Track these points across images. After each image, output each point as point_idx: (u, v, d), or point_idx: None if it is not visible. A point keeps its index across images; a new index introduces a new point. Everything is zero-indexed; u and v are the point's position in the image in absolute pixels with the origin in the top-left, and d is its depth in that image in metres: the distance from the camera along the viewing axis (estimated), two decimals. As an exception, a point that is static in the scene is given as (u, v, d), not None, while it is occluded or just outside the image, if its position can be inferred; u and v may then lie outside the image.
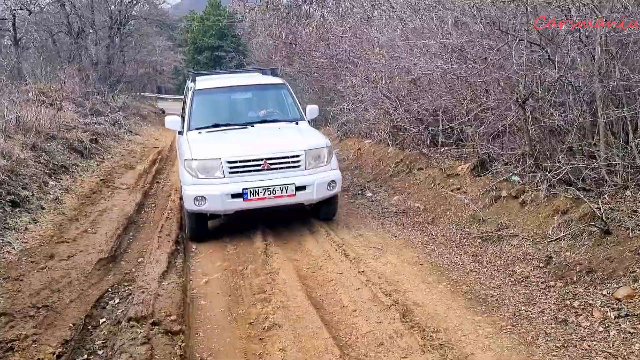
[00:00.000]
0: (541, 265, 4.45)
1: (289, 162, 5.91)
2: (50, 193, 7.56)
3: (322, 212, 6.50)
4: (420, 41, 6.44)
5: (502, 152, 5.88)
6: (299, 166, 5.92)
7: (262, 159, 5.79)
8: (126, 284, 4.68)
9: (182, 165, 6.11)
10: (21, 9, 20.66)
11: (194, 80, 7.70)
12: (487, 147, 6.03)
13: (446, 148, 8.09)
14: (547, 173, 5.20)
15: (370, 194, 7.64)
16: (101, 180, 9.14)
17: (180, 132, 6.78)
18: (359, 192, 7.84)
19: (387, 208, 6.86)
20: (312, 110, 7.11)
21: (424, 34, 6.78)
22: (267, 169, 5.81)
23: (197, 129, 6.60)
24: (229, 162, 5.75)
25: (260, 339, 3.71)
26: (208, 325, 3.97)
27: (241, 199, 5.71)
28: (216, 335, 3.82)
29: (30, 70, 19.49)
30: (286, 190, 5.80)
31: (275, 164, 5.85)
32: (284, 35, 15.08)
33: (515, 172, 5.92)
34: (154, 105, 31.91)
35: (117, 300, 4.33)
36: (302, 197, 5.92)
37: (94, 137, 12.95)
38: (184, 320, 3.93)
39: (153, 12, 38.32)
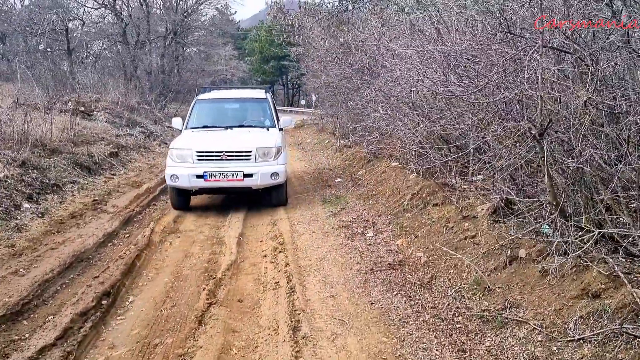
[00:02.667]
0: (550, 382, 2.97)
1: (242, 156, 7.82)
2: (16, 219, 6.83)
3: (273, 198, 8.24)
4: (410, 48, 5.02)
5: (518, 198, 4.35)
6: (249, 159, 7.80)
7: (222, 152, 7.76)
8: None
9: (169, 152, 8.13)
10: (74, 19, 20.89)
11: (202, 93, 9.93)
12: (502, 186, 4.51)
13: (480, 177, 6.57)
14: (578, 230, 3.68)
15: (372, 235, 6.28)
16: (93, 201, 8.37)
17: (181, 130, 8.92)
18: (361, 230, 6.50)
19: (382, 257, 5.48)
20: (285, 120, 9.26)
21: (427, 40, 5.33)
22: (226, 159, 7.76)
23: (191, 128, 8.82)
24: (197, 152, 7.77)
25: None
26: None
27: (202, 180, 7.66)
28: None
29: (80, 81, 19.55)
30: (236, 176, 7.71)
31: (232, 156, 7.79)
32: (322, 44, 13.98)
33: (546, 222, 4.38)
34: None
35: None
36: (249, 182, 7.77)
37: (115, 150, 12.41)
38: None
39: (218, 22, 38.72)
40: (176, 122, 9.15)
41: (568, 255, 3.78)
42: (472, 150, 6.07)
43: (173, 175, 7.74)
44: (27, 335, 3.99)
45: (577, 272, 3.62)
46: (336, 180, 9.97)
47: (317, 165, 12.43)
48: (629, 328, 2.85)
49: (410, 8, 5.87)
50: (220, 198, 9.08)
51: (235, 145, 7.86)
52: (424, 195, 6.71)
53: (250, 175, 7.69)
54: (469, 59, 4.12)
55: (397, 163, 8.94)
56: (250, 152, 7.78)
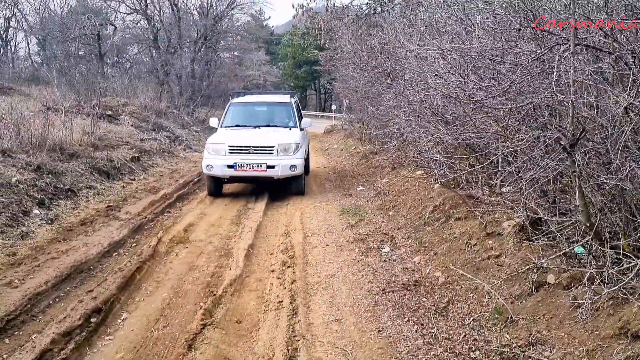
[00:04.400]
0: None
1: (266, 150, 9.14)
2: (23, 225, 6.66)
3: (293, 187, 9.50)
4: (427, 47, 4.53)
5: (546, 216, 3.83)
6: (272, 153, 9.10)
7: (249, 146, 9.17)
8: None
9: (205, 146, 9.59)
10: (105, 24, 21.10)
11: (235, 97, 11.77)
12: (529, 202, 4.00)
13: (509, 188, 6.04)
14: (616, 257, 3.16)
15: (388, 250, 5.83)
16: (107, 207, 8.17)
17: (216, 129, 10.37)
18: (377, 245, 6.05)
19: (396, 275, 5.02)
20: (305, 122, 10.74)
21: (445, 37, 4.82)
22: (253, 153, 9.13)
23: (225, 126, 10.35)
24: (229, 146, 9.17)
25: None
26: None
27: (232, 169, 9.06)
28: None
29: (110, 85, 19.68)
30: (261, 167, 9.04)
31: (258, 150, 9.14)
32: (350, 47, 13.57)
33: (581, 241, 3.84)
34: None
35: None
36: (271, 172, 9.09)
37: (137, 154, 12.29)
38: None
39: (252, 28, 38.82)
40: (213, 121, 10.71)
41: (604, 286, 3.28)
42: (500, 160, 5.57)
43: (209, 165, 9.18)
44: (4, 356, 3.71)
45: (614, 305, 3.11)
46: (358, 189, 9.54)
47: (341, 173, 12.01)
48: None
49: (432, 8, 5.44)
50: (234, 208, 8.76)
51: (260, 141, 9.27)
52: (446, 207, 6.22)
53: (273, 167, 9.01)
54: (490, 59, 3.65)
55: (422, 172, 8.46)
56: (273, 147, 9.12)
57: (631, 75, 2.67)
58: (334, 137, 20.96)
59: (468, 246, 5.12)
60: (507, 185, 5.83)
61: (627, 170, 2.84)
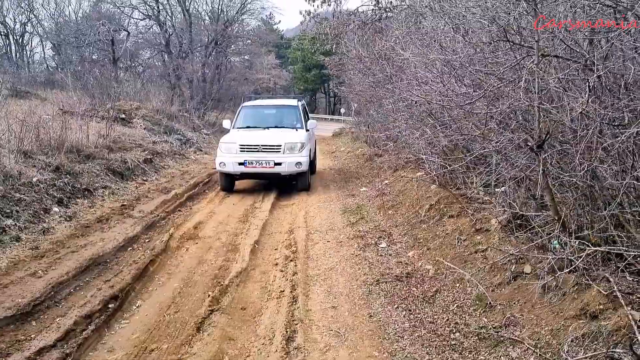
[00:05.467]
0: (535, 406, 2.84)
1: (273, 149, 9.91)
2: (44, 222, 7.09)
3: (299, 183, 10.28)
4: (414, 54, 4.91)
5: (522, 212, 4.18)
6: (279, 151, 9.87)
7: (258, 145, 9.96)
8: None
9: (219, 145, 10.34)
10: (119, 30, 21.69)
11: (246, 101, 13.03)
12: (508, 199, 4.35)
13: (502, 189, 6.37)
14: (581, 247, 3.51)
15: (385, 245, 6.20)
16: (121, 206, 8.60)
17: (229, 130, 11.18)
18: (374, 241, 6.42)
19: (390, 268, 5.39)
20: (311, 123, 11.52)
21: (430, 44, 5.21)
22: (261, 151, 9.91)
23: (237, 127, 11.17)
24: (240, 145, 9.96)
25: None
26: None
27: (243, 166, 9.83)
28: None
29: (123, 89, 20.21)
30: (269, 164, 9.82)
31: (266, 148, 9.93)
32: (355, 52, 13.93)
33: (554, 238, 4.20)
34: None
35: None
36: (278, 169, 9.85)
37: (149, 156, 12.75)
38: None
39: (262, 32, 39.34)
40: (226, 123, 11.64)
41: (573, 273, 3.63)
42: (494, 161, 5.91)
43: (221, 162, 9.96)
44: (32, 335, 4.13)
45: (578, 290, 3.46)
46: (361, 190, 9.91)
47: (346, 174, 12.39)
48: (618, 353, 2.69)
49: (428, 18, 5.79)
50: (242, 208, 9.16)
51: (268, 141, 10.03)
52: (441, 206, 6.58)
53: (280, 164, 9.77)
54: (466, 67, 4.01)
55: (422, 173, 8.81)
56: (280, 146, 9.89)
57: (587, 82, 3.01)
58: (341, 140, 21.32)
59: (458, 241, 5.47)
60: (502, 186, 6.18)
61: (584, 170, 3.19)
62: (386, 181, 9.82)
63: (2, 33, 34.37)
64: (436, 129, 5.98)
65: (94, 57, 26.74)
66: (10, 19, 34.37)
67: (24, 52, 37.05)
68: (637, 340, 2.62)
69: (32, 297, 4.73)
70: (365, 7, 15.08)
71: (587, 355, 2.89)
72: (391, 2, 14.37)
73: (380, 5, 14.37)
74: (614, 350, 2.72)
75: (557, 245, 4.19)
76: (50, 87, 22.16)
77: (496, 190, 6.35)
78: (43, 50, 38.17)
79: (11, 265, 5.56)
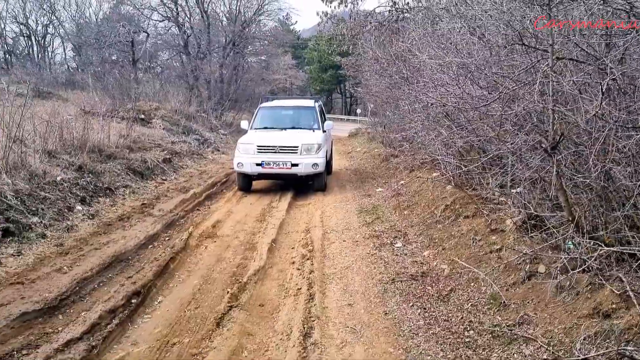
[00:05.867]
0: (547, 401, 2.90)
1: (290, 150, 10.02)
2: (68, 219, 7.29)
3: (315, 184, 10.38)
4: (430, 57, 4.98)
5: (536, 212, 4.23)
6: (296, 152, 9.97)
7: (276, 146, 10.07)
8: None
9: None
10: (139, 31, 22.01)
11: (264, 101, 12.97)
12: (522, 200, 4.41)
13: (518, 190, 6.41)
14: (595, 247, 3.56)
15: (400, 245, 6.27)
16: (142, 204, 8.80)
17: (246, 130, 11.36)
18: (390, 240, 6.49)
19: (406, 267, 5.47)
20: (328, 124, 11.58)
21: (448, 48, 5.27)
22: (279, 152, 10.01)
23: (255, 128, 11.26)
24: (257, 146, 10.08)
25: None
26: None
27: (260, 167, 9.97)
28: None
29: (143, 90, 20.51)
30: (286, 165, 9.94)
31: (284, 149, 10.02)
32: (371, 54, 14.00)
33: (569, 238, 4.24)
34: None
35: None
36: (295, 170, 9.96)
37: (168, 156, 12.97)
38: None
39: (279, 33, 39.54)
40: (244, 124, 11.86)
41: (587, 273, 3.68)
42: (510, 162, 5.95)
43: (239, 163, 10.11)
44: (59, 328, 4.28)
45: (591, 290, 3.51)
46: (377, 190, 9.98)
47: (362, 175, 12.47)
48: (630, 350, 2.75)
49: (440, 18, 5.84)
50: (259, 207, 9.30)
51: (286, 142, 10.14)
52: (457, 207, 6.63)
53: (296, 165, 9.89)
54: (481, 70, 4.07)
55: (437, 174, 8.85)
56: (297, 147, 10.00)
57: (600, 85, 3.06)
58: (357, 141, 21.40)
59: (473, 242, 5.53)
60: (517, 187, 6.22)
61: (597, 171, 3.24)
62: (402, 182, 9.88)
63: (24, 34, 35.14)
64: (452, 130, 6.04)
65: (113, 58, 27.19)
66: (33, 21, 35.10)
67: (46, 54, 37.79)
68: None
69: (58, 292, 4.90)
70: (382, 8, 15.15)
71: (599, 352, 2.95)
72: (408, 3, 14.44)
73: (397, 6, 14.42)
74: (625, 347, 2.78)
75: (572, 246, 4.24)
76: (71, 88, 22.61)
77: (512, 191, 6.40)
78: (64, 51, 38.96)
79: (37, 261, 5.75)
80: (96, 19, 33.06)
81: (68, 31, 36.11)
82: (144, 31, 23.61)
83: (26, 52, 36.61)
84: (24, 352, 3.85)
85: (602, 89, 2.96)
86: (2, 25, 33.99)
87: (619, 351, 2.76)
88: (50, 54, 39.34)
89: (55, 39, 39.59)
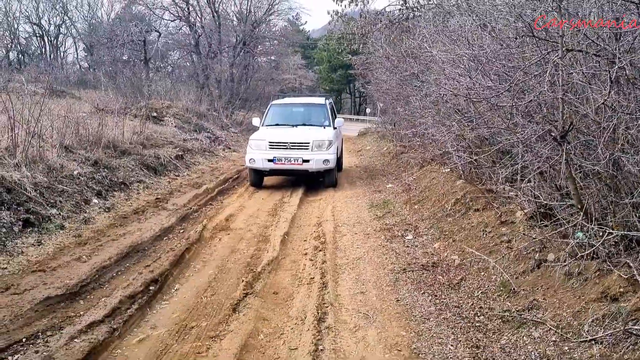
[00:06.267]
0: (556, 379, 3.00)
1: (302, 146, 10.16)
2: (85, 212, 7.45)
3: (325, 180, 10.58)
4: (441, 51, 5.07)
5: (547, 201, 4.31)
6: (307, 148, 10.12)
7: (287, 142, 10.22)
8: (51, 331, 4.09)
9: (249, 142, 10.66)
10: (151, 31, 22.24)
11: (275, 99, 13.65)
12: (532, 190, 4.49)
13: (529, 184, 6.48)
14: (606, 232, 3.64)
15: (411, 237, 6.37)
16: (155, 199, 8.96)
17: (258, 127, 11.47)
18: (401, 233, 6.59)
19: (417, 258, 5.57)
20: (338, 121, 11.74)
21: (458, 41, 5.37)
22: (290, 148, 10.15)
23: (266, 125, 11.46)
24: (269, 142, 10.23)
25: None
26: None
27: (272, 163, 10.11)
28: None
29: (154, 88, 20.72)
30: (297, 161, 10.08)
31: (295, 146, 10.17)
32: (382, 52, 14.09)
33: (578, 227, 4.31)
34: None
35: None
36: (306, 166, 10.10)
37: (181, 153, 13.14)
38: None
39: (288, 33, 39.76)
40: (255, 120, 11.84)
41: (595, 260, 3.76)
42: (520, 154, 6.02)
43: (251, 159, 10.28)
44: (81, 312, 4.43)
45: (599, 275, 3.59)
46: (387, 186, 10.08)
47: (372, 171, 12.57)
48: (636, 329, 2.83)
49: (451, 14, 5.93)
50: (271, 202, 9.43)
51: (297, 138, 10.29)
52: (467, 200, 6.71)
53: (308, 161, 10.03)
54: (492, 62, 4.16)
55: (449, 169, 8.93)
56: (308, 143, 10.14)
57: (609, 75, 3.14)
58: (367, 139, 21.48)
59: (484, 233, 5.62)
60: (527, 180, 6.29)
61: (606, 159, 3.32)
62: (412, 177, 9.97)
63: (37, 35, 35.56)
64: (462, 123, 6.13)
65: (124, 57, 27.49)
66: (46, 21, 35.51)
67: (58, 53, 38.20)
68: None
69: (79, 279, 5.05)
70: (392, 7, 15.23)
71: (606, 333, 3.04)
72: (419, 1, 14.51)
73: (407, 4, 14.50)
74: (632, 327, 2.86)
75: (581, 235, 4.32)
76: (83, 87, 22.89)
77: (521, 185, 6.48)
78: (76, 51, 39.32)
79: (57, 251, 5.91)
80: (108, 19, 33.43)
81: (80, 31, 36.55)
82: (155, 30, 23.85)
83: (39, 52, 37.05)
84: (49, 333, 3.99)
85: (610, 78, 3.04)
86: (16, 26, 34.36)
87: (625, 330, 2.85)
88: (62, 53, 39.78)
89: (67, 39, 40.02)
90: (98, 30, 28.76)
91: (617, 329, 2.97)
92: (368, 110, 38.45)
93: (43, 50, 37.14)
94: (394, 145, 14.90)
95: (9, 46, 32.32)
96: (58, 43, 38.27)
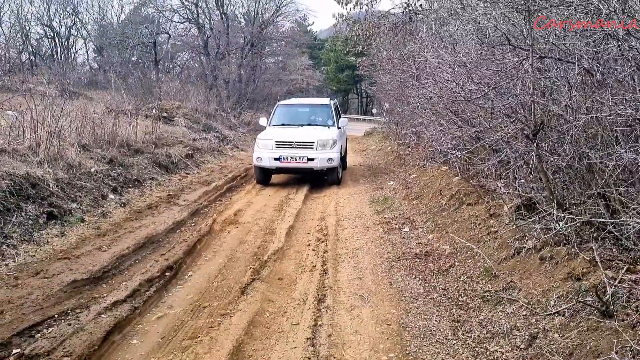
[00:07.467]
0: (522, 346, 3.43)
1: (307, 145, 10.64)
2: (103, 207, 7.96)
3: (329, 178, 10.98)
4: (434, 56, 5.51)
5: (530, 195, 4.74)
6: (312, 147, 10.59)
7: (293, 142, 10.72)
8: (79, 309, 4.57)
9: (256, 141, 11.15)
10: (160, 33, 22.80)
11: (281, 99, 13.98)
12: (515, 185, 4.93)
13: (523, 181, 6.91)
14: (572, 221, 4.07)
15: (408, 230, 6.82)
16: (167, 195, 9.44)
17: (265, 127, 11.91)
18: (398, 226, 7.04)
19: (411, 248, 6.02)
20: (342, 121, 12.19)
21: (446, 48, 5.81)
22: (296, 147, 10.65)
23: (273, 125, 11.90)
24: (276, 141, 10.75)
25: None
26: None
27: (278, 161, 10.60)
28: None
29: (164, 89, 21.24)
30: (302, 159, 10.56)
31: (300, 145, 10.66)
32: (385, 54, 14.52)
33: (563, 218, 4.74)
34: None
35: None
36: (311, 164, 10.58)
37: (191, 152, 13.65)
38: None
39: (296, 34, 40.25)
40: (262, 120, 12.41)
41: (566, 245, 4.19)
42: (504, 152, 6.44)
43: (258, 157, 10.78)
44: (105, 294, 4.91)
45: (568, 259, 4.02)
46: (388, 184, 10.52)
47: (375, 170, 13.01)
48: (589, 300, 3.27)
49: (447, 21, 6.35)
50: (277, 199, 9.89)
51: (302, 137, 10.79)
52: (460, 195, 7.15)
53: (312, 159, 10.53)
54: (475, 67, 4.60)
55: (447, 167, 9.35)
56: (313, 142, 10.62)
57: (571, 81, 3.55)
58: (372, 139, 21.91)
59: (474, 225, 6.05)
60: (514, 175, 6.72)
61: (573, 154, 3.75)
62: (412, 175, 10.40)
63: (48, 36, 36.23)
64: (456, 124, 6.56)
65: (133, 59, 28.08)
66: (57, 23, 36.16)
67: (69, 55, 38.86)
68: (605, 290, 3.19)
69: (101, 265, 5.54)
70: (396, 9, 15.67)
71: (568, 305, 3.47)
72: (421, 5, 14.94)
73: (410, 8, 14.93)
74: (585, 299, 3.30)
75: (561, 225, 4.74)
76: (94, 88, 23.46)
77: (504, 181, 6.90)
78: (86, 52, 39.95)
79: (79, 241, 6.41)
80: (118, 21, 34.05)
81: (90, 33, 37.20)
82: (165, 32, 24.40)
83: (50, 54, 37.75)
84: (77, 310, 4.48)
85: (569, 82, 3.47)
86: (28, 27, 35.07)
87: (579, 301, 3.28)
88: (72, 55, 40.46)
89: (77, 41, 40.69)
90: (108, 31, 29.36)
91: (575, 302, 3.40)
92: (374, 111, 38.80)
93: (54, 52, 37.86)
94: (397, 144, 15.34)
95: (21, 47, 33.02)
96: (69, 44, 38.98)
